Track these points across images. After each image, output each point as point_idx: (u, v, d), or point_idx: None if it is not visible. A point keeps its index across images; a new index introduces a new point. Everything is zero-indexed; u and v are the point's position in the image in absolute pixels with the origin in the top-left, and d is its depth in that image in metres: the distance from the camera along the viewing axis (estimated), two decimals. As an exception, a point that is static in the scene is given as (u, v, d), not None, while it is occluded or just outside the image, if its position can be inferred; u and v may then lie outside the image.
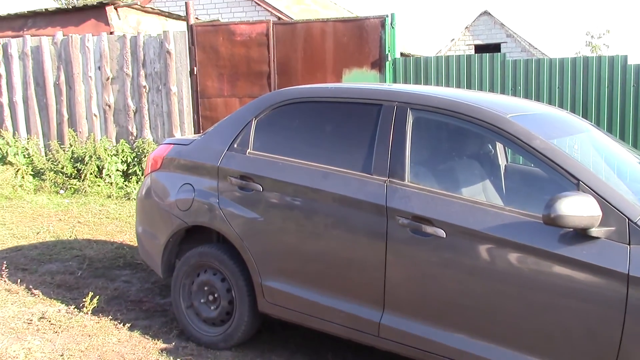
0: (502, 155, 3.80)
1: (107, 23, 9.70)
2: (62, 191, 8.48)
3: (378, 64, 7.94)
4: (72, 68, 9.31)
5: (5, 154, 9.07)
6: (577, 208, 2.69)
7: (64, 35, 9.41)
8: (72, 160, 8.79)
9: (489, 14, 28.36)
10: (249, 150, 3.85)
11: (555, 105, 7.13)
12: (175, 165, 4.16)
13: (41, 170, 8.91)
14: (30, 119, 9.65)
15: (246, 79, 8.42)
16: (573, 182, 2.89)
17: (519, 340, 2.95)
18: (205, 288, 4.02)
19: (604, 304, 2.73)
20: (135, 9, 10.39)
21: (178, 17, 11.27)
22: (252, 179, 3.75)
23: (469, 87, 7.55)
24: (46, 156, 9.29)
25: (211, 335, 3.98)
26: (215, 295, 3.97)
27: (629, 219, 2.75)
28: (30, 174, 8.94)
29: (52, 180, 8.61)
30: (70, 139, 9.21)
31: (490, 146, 3.26)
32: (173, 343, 4.04)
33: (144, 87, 9.05)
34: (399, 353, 3.33)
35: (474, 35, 28.47)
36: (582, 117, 7.04)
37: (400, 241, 3.23)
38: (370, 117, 3.49)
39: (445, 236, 3.10)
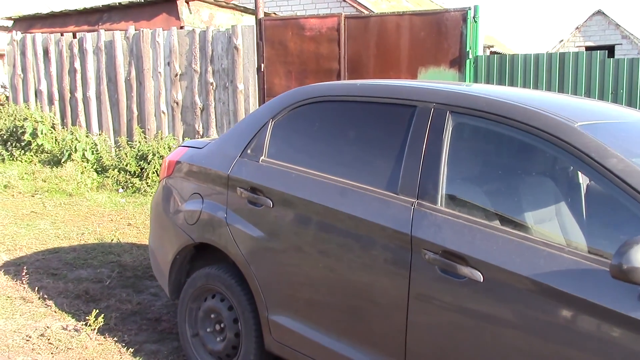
0: (577, 176, 2.95)
1: (177, 17, 9.41)
2: (121, 190, 8.23)
3: (457, 62, 7.12)
4: (142, 63, 9.09)
5: (74, 150, 8.97)
6: (662, 259, 1.88)
7: (135, 30, 9.21)
8: (137, 158, 8.55)
9: (603, 13, 26.54)
10: (262, 158, 3.24)
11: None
12: (186, 172, 3.62)
13: (106, 167, 8.74)
14: (102, 115, 9.54)
15: (315, 77, 7.84)
16: (662, 219, 2.07)
17: None
18: (212, 315, 3.45)
19: None
20: (208, 2, 10.06)
21: (254, 12, 10.85)
22: (262, 191, 3.13)
23: (560, 90, 6.60)
24: (115, 153, 9.13)
25: (215, 370, 3.40)
26: (222, 325, 3.40)
27: None
28: (95, 171, 8.79)
29: (115, 178, 8.39)
30: (138, 136, 8.98)
31: (555, 163, 2.48)
32: (174, 376, 3.51)
33: (212, 84, 8.66)
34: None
35: (586, 36, 26.72)
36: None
37: (426, 281, 2.51)
38: (402, 121, 2.78)
39: (482, 280, 2.35)
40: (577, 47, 26.18)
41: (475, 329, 2.39)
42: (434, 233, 2.50)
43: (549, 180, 2.56)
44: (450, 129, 2.63)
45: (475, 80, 7.04)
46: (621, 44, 26.05)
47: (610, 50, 25.14)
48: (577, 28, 26.80)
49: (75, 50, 9.59)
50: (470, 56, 7.02)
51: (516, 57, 6.86)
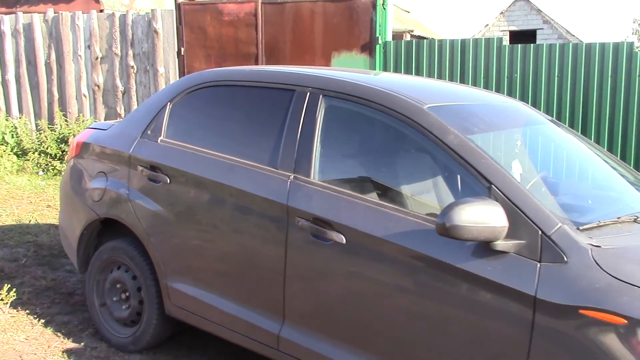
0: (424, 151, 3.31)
1: (97, 0, 9.43)
2: (41, 172, 8.28)
3: (368, 47, 7.50)
4: (62, 46, 9.09)
5: (-7, 133, 8.91)
6: (475, 217, 2.27)
7: (55, 13, 9.18)
8: (57, 140, 8.59)
9: (526, -1, 27.47)
10: (161, 138, 3.50)
11: (555, 94, 6.63)
12: (91, 152, 3.84)
13: (26, 151, 8.74)
14: (22, 98, 9.48)
15: (234, 61, 8.06)
16: (485, 186, 2.46)
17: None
18: (118, 285, 3.71)
19: (508, 327, 2.32)
20: (129, -14, 10.11)
21: (176, -4, 10.94)
22: (160, 169, 3.41)
23: (462, 74, 7.06)
24: (36, 136, 9.12)
25: (121, 336, 3.67)
26: (127, 294, 3.66)
27: (542, 231, 2.31)
28: (15, 154, 8.78)
29: (36, 161, 8.42)
30: (59, 119, 9.00)
31: (406, 139, 2.84)
32: (83, 343, 3.75)
33: (132, 67, 8.77)
34: (301, 370, 2.96)
35: (509, 21, 27.63)
36: (583, 107, 6.54)
37: (299, 245, 2.85)
38: (283, 104, 3.10)
39: (345, 242, 2.70)
40: (501, 31, 27.09)
41: (342, 284, 2.75)
42: (306, 202, 2.84)
43: (402, 155, 2.93)
44: (323, 110, 2.97)
45: (385, 65, 7.43)
46: (542, 28, 27.07)
47: (532, 34, 26.18)
48: (502, 13, 27.69)
49: (-7, 32, 9.47)
50: (380, 41, 7.40)
51: (421, 43, 7.28)
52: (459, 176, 2.58)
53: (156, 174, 3.42)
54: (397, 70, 7.37)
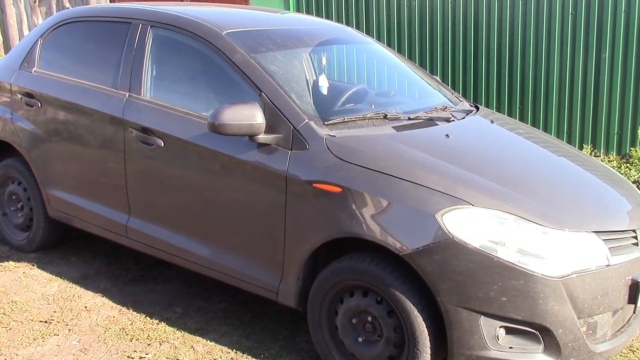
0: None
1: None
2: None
3: (282, -17, 7.94)
4: (2, -9, 9.51)
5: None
6: (236, 116, 2.90)
7: (-8, -41, 9.55)
8: (3, 82, 9.11)
9: None
10: (34, 69, 4.11)
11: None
12: (-17, 84, 4.45)
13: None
14: (-31, 43, 9.95)
15: (161, 0, 8.51)
16: (257, 93, 3.09)
17: (220, 238, 3.25)
18: (14, 197, 4.38)
19: (273, 195, 2.97)
20: None
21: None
22: (33, 95, 4.02)
23: (366, 22, 7.48)
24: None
25: (19, 239, 4.37)
26: (21, 204, 4.34)
27: (293, 126, 2.96)
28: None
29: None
30: (5, 62, 9.50)
31: (207, 59, 3.41)
32: (-11, 247, 4.46)
33: (68, 9, 9.21)
34: (145, 252, 3.67)
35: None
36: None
37: (132, 151, 3.51)
38: (123, 35, 3.70)
39: (163, 145, 3.35)
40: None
41: (164, 180, 3.42)
42: (136, 115, 3.48)
43: (205, 72, 3.52)
44: (151, 39, 3.57)
45: (298, 4, 7.87)
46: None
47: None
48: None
49: None
50: (292, -23, 7.84)
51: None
52: (242, 87, 3.21)
53: (31, 99, 4.03)
54: (309, 7, 7.83)
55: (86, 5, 9.01)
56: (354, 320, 2.83)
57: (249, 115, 2.91)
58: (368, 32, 7.41)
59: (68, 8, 8.87)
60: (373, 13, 7.45)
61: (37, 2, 9.38)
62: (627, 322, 2.84)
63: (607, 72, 6.40)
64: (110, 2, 8.82)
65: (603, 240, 2.63)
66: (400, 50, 7.38)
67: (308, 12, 7.81)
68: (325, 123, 3.01)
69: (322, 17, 7.46)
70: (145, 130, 3.42)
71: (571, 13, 6.47)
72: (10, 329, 3.39)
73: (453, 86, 7.13)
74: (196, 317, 3.54)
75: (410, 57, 7.25)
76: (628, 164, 6.07)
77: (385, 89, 4.08)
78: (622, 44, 6.30)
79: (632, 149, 6.29)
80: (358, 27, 7.41)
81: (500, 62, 6.90)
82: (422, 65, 7.24)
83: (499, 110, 6.87)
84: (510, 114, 6.83)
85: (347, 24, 7.41)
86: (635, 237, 2.77)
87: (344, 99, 3.39)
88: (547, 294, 2.46)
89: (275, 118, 2.99)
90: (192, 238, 3.37)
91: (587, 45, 6.46)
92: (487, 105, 6.97)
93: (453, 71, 7.12)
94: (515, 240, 2.51)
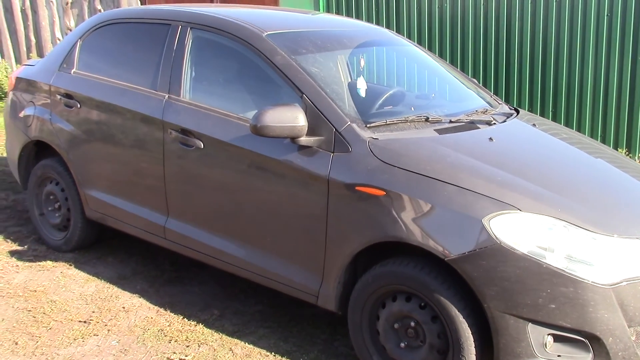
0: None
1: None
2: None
3: (313, -15, 7.94)
4: (35, -7, 9.64)
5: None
6: (279, 118, 2.89)
7: (26, -39, 9.69)
8: (35, 83, 9.23)
9: None
10: (74, 70, 4.14)
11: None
12: (23, 85, 4.50)
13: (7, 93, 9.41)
14: (2, 44, 10.10)
15: None
16: (298, 95, 3.08)
17: (260, 240, 3.24)
18: (51, 197, 4.42)
19: (316, 198, 2.94)
20: None
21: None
22: (72, 96, 4.06)
23: (397, 22, 7.45)
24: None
25: (56, 239, 4.41)
26: (59, 204, 4.37)
27: (335, 128, 2.94)
28: (-2, 97, 9.47)
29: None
30: (37, 63, 9.62)
31: (250, 62, 3.41)
32: (27, 246, 4.50)
33: (100, 11, 9.31)
34: (182, 253, 3.67)
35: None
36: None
37: (172, 152, 3.51)
38: (162, 36, 3.71)
39: (203, 147, 3.36)
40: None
41: (203, 181, 3.42)
42: (175, 116, 3.48)
43: (246, 74, 3.52)
44: (190, 41, 3.58)
45: (328, 5, 7.87)
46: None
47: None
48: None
49: (-30, -18, 10.03)
50: (323, -22, 7.84)
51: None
52: (283, 89, 3.20)
53: (70, 100, 4.07)
54: (339, 7, 7.82)
55: (117, 7, 9.09)
56: (396, 325, 2.80)
57: (291, 118, 2.90)
58: (398, 33, 7.36)
59: (99, 10, 8.98)
60: (404, 13, 7.41)
61: (69, 3, 9.48)
62: None
63: (644, 74, 6.29)
64: (141, 4, 8.89)
65: None
66: (430, 51, 7.32)
67: (338, 12, 7.80)
68: (368, 125, 2.99)
69: (352, 17, 7.45)
70: (184, 131, 3.43)
71: (607, 15, 6.38)
72: (50, 328, 3.41)
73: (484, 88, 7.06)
74: (233, 319, 3.54)
75: (441, 58, 7.19)
76: (665, 168, 5.96)
77: (425, 91, 4.04)
78: (660, 46, 6.20)
79: (669, 152, 6.18)
80: (388, 27, 7.38)
81: (533, 63, 6.82)
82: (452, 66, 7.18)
83: (530, 112, 6.79)
84: (542, 117, 6.75)
85: (377, 24, 7.37)
86: None
87: (382, 101, 3.37)
88: (597, 302, 2.41)
89: (317, 120, 2.98)
90: (231, 240, 3.36)
91: (623, 47, 6.36)
92: (519, 107, 6.89)
93: (485, 73, 7.05)
94: (564, 246, 2.46)
